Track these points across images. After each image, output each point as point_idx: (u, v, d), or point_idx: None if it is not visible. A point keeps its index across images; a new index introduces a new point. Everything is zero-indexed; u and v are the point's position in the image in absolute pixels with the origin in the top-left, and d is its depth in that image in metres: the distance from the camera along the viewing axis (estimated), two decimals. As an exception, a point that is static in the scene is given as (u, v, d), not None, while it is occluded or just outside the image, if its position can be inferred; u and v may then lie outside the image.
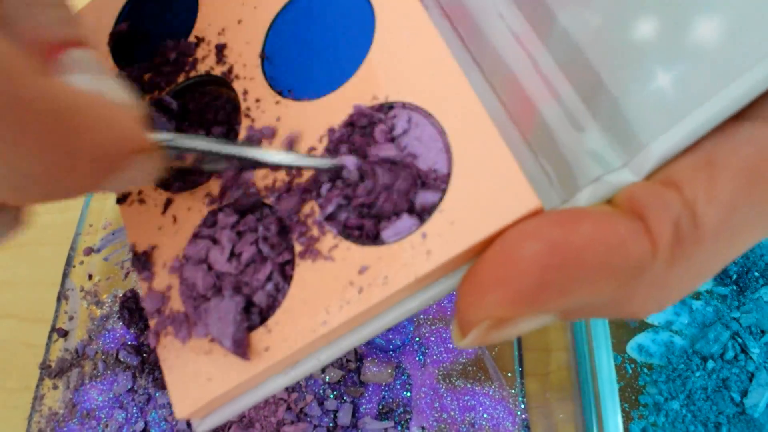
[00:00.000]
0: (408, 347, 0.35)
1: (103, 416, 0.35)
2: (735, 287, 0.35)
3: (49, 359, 0.36)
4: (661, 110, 0.14)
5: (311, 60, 0.21)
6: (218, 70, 0.23)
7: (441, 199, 0.17)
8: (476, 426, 0.33)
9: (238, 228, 0.20)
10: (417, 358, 0.35)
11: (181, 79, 0.23)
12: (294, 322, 0.18)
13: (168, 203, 0.22)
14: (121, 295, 0.38)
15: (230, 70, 0.22)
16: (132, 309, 0.36)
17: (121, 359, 0.36)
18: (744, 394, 0.32)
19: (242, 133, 0.21)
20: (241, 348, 0.18)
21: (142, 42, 0.25)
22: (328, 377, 0.34)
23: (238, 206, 0.20)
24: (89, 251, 0.39)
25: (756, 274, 0.35)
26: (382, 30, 0.19)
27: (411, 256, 0.17)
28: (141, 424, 0.34)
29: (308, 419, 0.33)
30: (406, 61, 0.18)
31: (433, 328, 0.35)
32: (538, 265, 0.13)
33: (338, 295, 0.18)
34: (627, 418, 0.33)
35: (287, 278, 0.19)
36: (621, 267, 0.13)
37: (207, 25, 0.24)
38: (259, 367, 0.18)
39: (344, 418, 0.33)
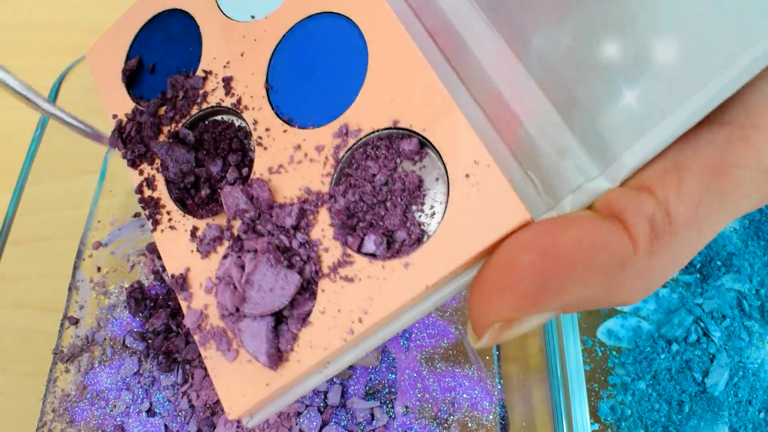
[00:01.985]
0: (393, 333, 0.37)
1: (112, 397, 0.36)
2: (698, 275, 0.36)
3: (62, 345, 0.39)
4: (630, 124, 0.16)
5: (312, 89, 0.22)
6: (227, 102, 0.23)
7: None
8: (456, 405, 0.34)
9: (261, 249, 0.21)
10: (401, 343, 0.36)
11: (194, 110, 0.24)
12: (322, 334, 0.19)
13: (195, 230, 0.23)
14: (127, 285, 0.40)
15: (239, 101, 0.23)
16: (137, 299, 0.38)
17: (128, 345, 0.37)
18: (705, 374, 0.33)
19: (257, 161, 0.22)
20: (275, 362, 0.20)
21: (152, 75, 0.26)
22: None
23: (257, 230, 0.21)
24: (98, 245, 0.42)
25: (718, 263, 0.36)
26: (374, 60, 0.20)
27: (419, 268, 0.18)
28: (146, 404, 0.35)
29: (300, 399, 0.34)
30: (398, 88, 0.19)
31: (417, 315, 0.37)
32: (535, 270, 0.15)
33: (359, 307, 0.19)
34: (596, 397, 0.34)
35: (312, 294, 0.20)
36: (606, 263, 0.15)
37: (212, 59, 0.24)
38: (296, 371, 0.20)
39: (334, 398, 0.34)
